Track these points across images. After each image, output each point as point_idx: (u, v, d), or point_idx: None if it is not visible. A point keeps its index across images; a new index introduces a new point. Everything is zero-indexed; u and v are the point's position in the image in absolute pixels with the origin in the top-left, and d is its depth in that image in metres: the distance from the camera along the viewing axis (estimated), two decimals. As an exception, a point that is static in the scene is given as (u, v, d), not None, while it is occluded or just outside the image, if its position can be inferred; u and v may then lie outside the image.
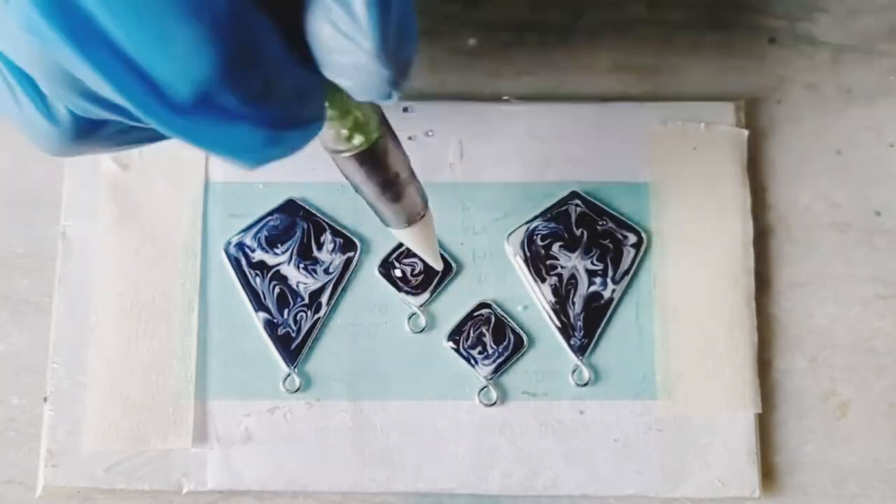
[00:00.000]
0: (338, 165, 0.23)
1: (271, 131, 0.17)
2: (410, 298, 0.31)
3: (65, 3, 0.14)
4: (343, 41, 0.17)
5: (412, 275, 0.32)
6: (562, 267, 0.32)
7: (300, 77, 0.18)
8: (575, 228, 0.32)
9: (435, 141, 0.33)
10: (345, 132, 0.22)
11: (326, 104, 0.20)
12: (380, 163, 0.23)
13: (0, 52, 0.17)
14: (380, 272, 0.32)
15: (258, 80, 0.16)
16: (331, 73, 0.18)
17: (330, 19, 0.17)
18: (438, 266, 0.29)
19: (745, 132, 0.33)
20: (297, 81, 0.18)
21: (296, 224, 0.32)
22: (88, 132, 0.19)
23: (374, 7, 0.16)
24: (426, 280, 0.32)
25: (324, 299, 0.31)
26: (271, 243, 0.32)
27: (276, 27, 0.17)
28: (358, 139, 0.22)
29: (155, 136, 0.20)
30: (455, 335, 0.31)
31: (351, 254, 0.32)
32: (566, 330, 0.31)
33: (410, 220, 0.26)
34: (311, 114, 0.19)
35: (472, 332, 0.31)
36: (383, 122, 0.23)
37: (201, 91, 0.15)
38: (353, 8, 0.16)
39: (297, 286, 0.31)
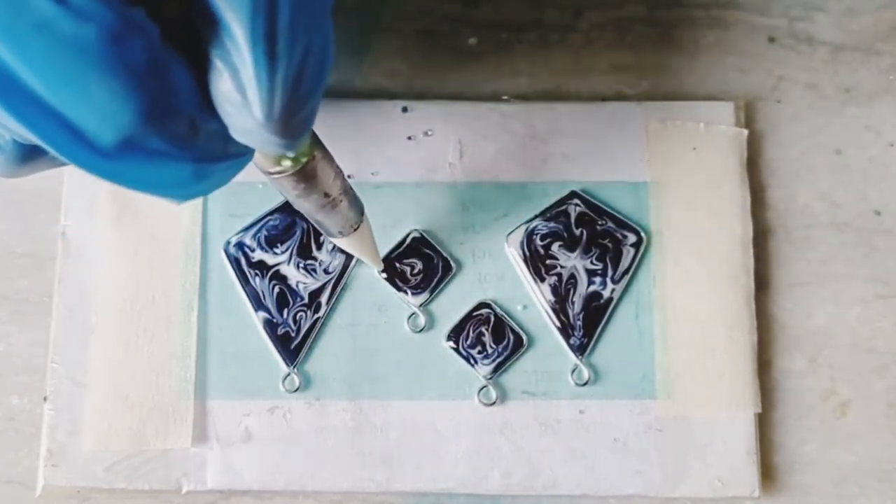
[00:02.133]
0: (271, 183, 0.24)
1: (198, 167, 0.18)
2: (410, 298, 0.31)
3: None
4: (234, 107, 0.17)
5: (412, 274, 0.32)
6: (561, 266, 0.32)
7: (220, 117, 0.18)
8: (574, 228, 0.32)
9: (434, 141, 0.33)
10: (274, 156, 0.22)
11: None
12: (311, 183, 0.24)
13: None
14: (379, 272, 0.32)
15: (182, 122, 0.17)
16: (231, 131, 0.18)
17: (222, 84, 0.17)
18: (379, 266, 0.31)
19: (745, 132, 0.33)
20: (218, 122, 0.18)
21: (295, 224, 0.32)
22: (33, 155, 0.19)
23: (262, 79, 0.16)
24: (426, 280, 0.32)
25: (323, 299, 0.31)
26: (271, 243, 0.32)
27: (194, 76, 0.17)
28: (286, 163, 0.23)
29: None
30: (455, 335, 0.31)
31: (350, 254, 0.32)
32: (566, 329, 0.31)
33: (345, 232, 0.27)
34: (238, 148, 0.19)
35: (471, 331, 0.31)
36: (315, 142, 0.24)
37: (125, 137, 0.16)
38: (241, 77, 0.17)
39: (297, 286, 0.31)
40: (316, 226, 0.27)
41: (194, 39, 0.17)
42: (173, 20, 0.16)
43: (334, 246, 0.32)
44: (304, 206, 0.25)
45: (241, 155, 0.19)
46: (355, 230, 0.27)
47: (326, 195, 0.25)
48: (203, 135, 0.17)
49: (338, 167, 0.25)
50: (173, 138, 0.17)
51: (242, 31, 0.16)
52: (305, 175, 0.23)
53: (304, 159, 0.23)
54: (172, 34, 0.16)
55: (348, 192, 0.26)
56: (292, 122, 0.18)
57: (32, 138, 0.16)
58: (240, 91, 0.17)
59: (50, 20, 0.14)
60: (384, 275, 0.32)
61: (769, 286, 0.33)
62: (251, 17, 0.16)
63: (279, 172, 0.23)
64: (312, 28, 0.17)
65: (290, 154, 0.19)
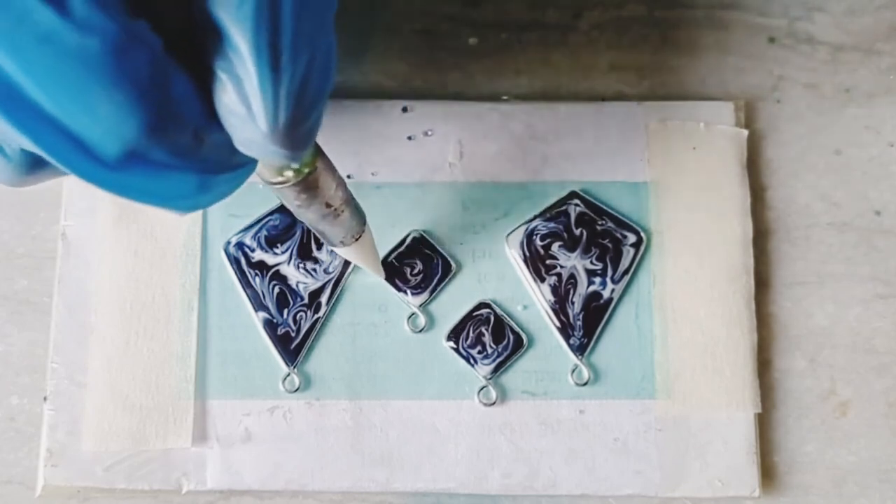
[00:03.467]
0: (273, 193, 0.24)
1: (203, 178, 0.18)
2: (410, 298, 0.31)
3: None
4: (238, 119, 0.17)
5: (412, 274, 0.32)
6: (561, 266, 0.32)
7: (223, 129, 0.18)
8: (574, 228, 0.32)
9: (434, 141, 0.33)
10: (277, 166, 0.22)
11: None
12: (312, 193, 0.24)
13: None
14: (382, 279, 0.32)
15: (186, 134, 0.17)
16: (235, 143, 0.18)
17: (225, 95, 0.17)
18: (381, 276, 0.31)
19: (745, 132, 0.33)
20: (221, 133, 0.18)
21: (295, 224, 0.32)
22: (40, 165, 0.19)
23: (266, 90, 0.17)
24: (426, 280, 0.32)
25: (323, 299, 0.31)
26: (271, 243, 0.32)
27: (198, 87, 0.17)
28: (289, 173, 0.23)
29: None
30: (455, 335, 0.31)
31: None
32: (565, 329, 0.31)
33: (346, 242, 0.27)
34: (241, 159, 0.19)
35: (471, 331, 0.31)
36: (317, 153, 0.24)
37: (129, 149, 0.16)
38: (245, 88, 0.17)
39: (297, 286, 0.31)
40: (318, 235, 0.27)
41: (197, 51, 0.17)
42: (176, 31, 0.16)
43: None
44: (307, 216, 0.25)
45: (245, 165, 0.19)
46: (357, 240, 0.27)
47: (328, 205, 0.25)
48: (207, 146, 0.17)
49: (340, 177, 0.25)
50: (177, 150, 0.17)
51: (246, 44, 0.16)
52: (307, 185, 0.23)
53: (306, 170, 0.23)
54: (175, 45, 0.16)
55: (350, 202, 0.26)
56: (297, 133, 0.18)
57: (36, 150, 0.16)
58: (244, 103, 0.17)
59: (53, 32, 0.14)
60: (385, 274, 0.32)
61: (769, 286, 0.33)
62: (255, 29, 0.16)
63: (281, 183, 0.23)
64: (315, 39, 0.17)
65: (295, 165, 0.19)
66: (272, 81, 0.17)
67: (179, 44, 0.16)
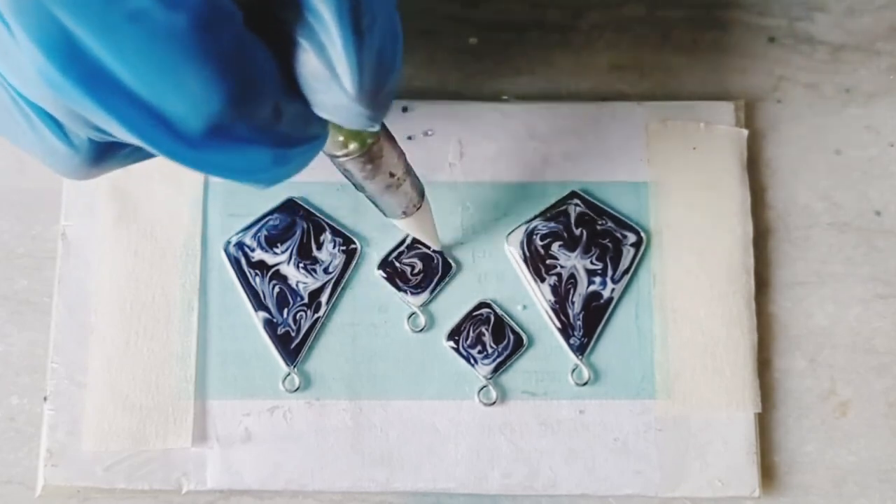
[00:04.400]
0: (337, 167, 0.24)
1: (279, 151, 0.18)
2: (410, 298, 0.31)
3: (78, 55, 0.15)
4: (323, 84, 0.17)
5: (412, 274, 0.32)
6: (561, 266, 0.32)
7: (300, 102, 0.18)
8: (574, 228, 0.32)
9: (435, 140, 0.33)
10: (341, 139, 0.23)
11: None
12: (376, 164, 0.24)
13: (15, 86, 0.17)
14: (379, 272, 0.32)
15: (267, 107, 0.17)
16: (316, 109, 0.18)
17: (309, 62, 0.17)
18: (438, 246, 0.31)
19: (745, 132, 0.33)
20: (297, 106, 0.18)
21: (295, 224, 0.32)
22: (107, 154, 0.19)
23: (351, 54, 0.17)
24: (426, 280, 0.32)
25: (323, 299, 0.31)
26: (271, 243, 0.32)
27: (276, 59, 0.17)
28: (353, 145, 0.23)
29: None
30: (455, 335, 0.31)
31: (351, 254, 0.32)
32: (566, 329, 0.31)
33: (409, 212, 0.28)
34: (315, 131, 0.19)
35: (471, 331, 0.31)
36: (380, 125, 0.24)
37: (213, 124, 0.16)
38: (330, 54, 0.17)
39: (297, 286, 0.31)
40: (379, 207, 0.27)
41: (274, 23, 0.17)
42: (252, 4, 0.17)
43: (335, 245, 0.32)
44: (370, 187, 0.25)
45: (317, 138, 0.19)
46: (418, 209, 0.28)
47: (392, 175, 0.25)
48: (285, 119, 0.18)
49: (400, 148, 0.25)
50: (258, 123, 0.17)
51: (328, 10, 0.16)
52: (371, 157, 0.24)
53: (370, 140, 0.23)
54: (253, 18, 0.16)
55: (411, 171, 0.26)
56: (380, 95, 0.18)
57: (118, 131, 0.16)
58: (329, 67, 0.17)
59: (143, 10, 0.14)
60: (385, 274, 0.32)
61: (769, 286, 0.33)
62: None
63: (346, 155, 0.23)
64: (387, 6, 0.18)
65: (375, 128, 0.19)
66: (355, 45, 0.17)
67: (257, 17, 0.17)
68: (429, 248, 0.32)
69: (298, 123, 0.18)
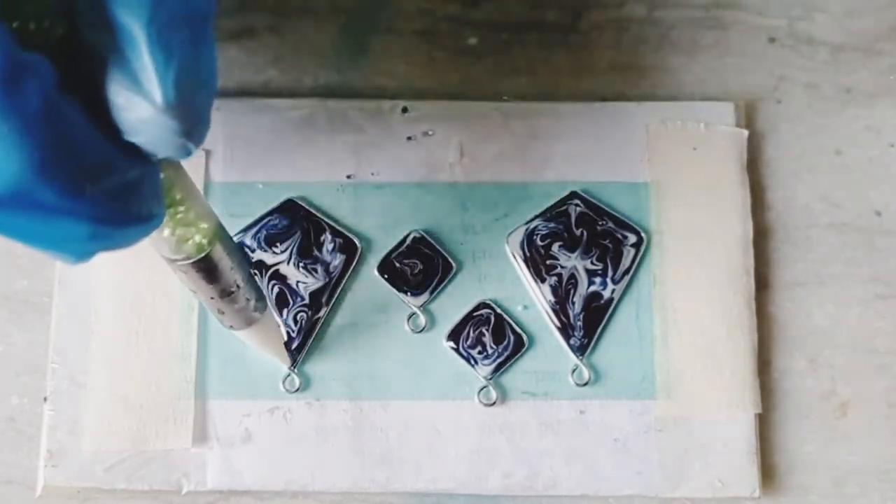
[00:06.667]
0: (174, 272, 0.24)
1: (95, 227, 0.17)
2: (410, 298, 0.31)
3: None
4: (130, 96, 0.17)
5: (412, 274, 0.32)
6: (561, 267, 0.32)
7: (124, 171, 0.18)
8: (574, 228, 0.32)
9: (435, 141, 0.33)
10: (179, 241, 0.22)
11: (163, 209, 0.21)
12: (215, 272, 0.24)
13: None
14: (380, 272, 0.32)
15: (77, 174, 0.16)
16: (127, 134, 0.18)
17: (117, 76, 0.17)
18: (286, 363, 0.30)
19: (745, 132, 0.33)
20: (121, 176, 0.17)
21: (295, 224, 0.32)
22: None
23: (157, 63, 0.17)
24: (426, 280, 0.32)
25: (324, 299, 0.31)
26: (271, 243, 0.32)
27: (91, 119, 0.17)
28: (190, 248, 0.23)
29: None
30: (455, 335, 0.31)
31: (351, 254, 0.32)
32: (566, 330, 0.31)
33: (250, 321, 0.27)
34: (141, 211, 0.18)
35: (471, 331, 0.31)
36: (220, 232, 0.24)
37: (14, 188, 0.15)
38: (135, 65, 0.17)
39: (297, 286, 0.31)
40: (217, 318, 0.27)
41: (84, 54, 0.17)
42: (66, 63, 0.16)
43: (334, 246, 0.32)
44: (208, 295, 0.25)
45: (145, 220, 0.19)
46: (259, 319, 0.27)
47: (234, 282, 0.25)
48: (99, 190, 0.17)
49: (242, 255, 0.25)
50: (67, 191, 0.16)
51: (133, 21, 0.16)
52: (212, 262, 0.23)
53: (208, 248, 0.23)
54: (70, 80, 0.16)
55: (253, 279, 0.26)
56: (190, 108, 0.18)
57: None
58: (134, 80, 0.17)
59: None
60: (385, 274, 0.32)
61: (769, 286, 0.33)
62: (149, 15, 0.16)
63: (184, 259, 0.23)
64: (197, 15, 0.17)
65: (193, 152, 0.19)
66: (161, 54, 0.17)
67: (73, 77, 0.16)
68: (429, 248, 0.32)
69: (117, 198, 0.18)
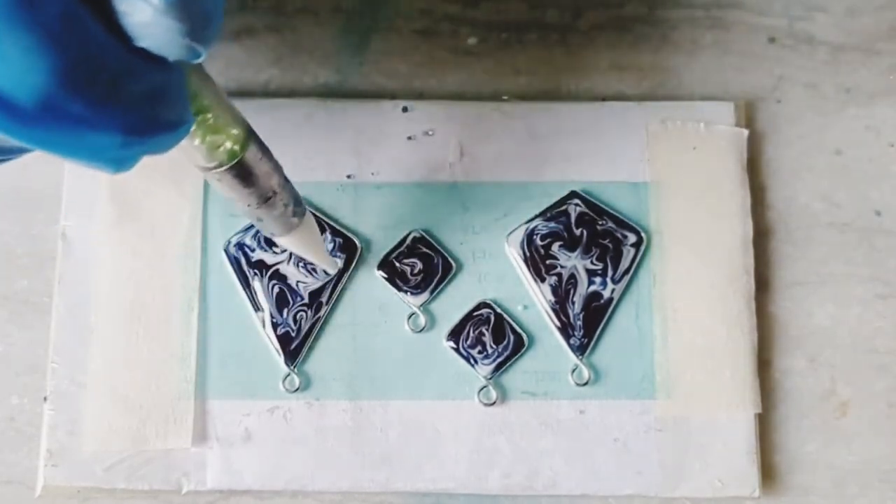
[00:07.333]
0: (210, 183, 0.24)
1: (126, 135, 0.17)
2: (410, 298, 0.31)
3: None
4: (132, 1, 0.17)
5: (412, 274, 0.32)
6: (561, 266, 0.32)
7: (147, 77, 0.18)
8: (574, 228, 0.32)
9: (435, 141, 0.33)
10: (210, 148, 0.22)
11: (192, 115, 0.21)
12: (251, 177, 0.24)
13: None
14: (380, 272, 0.32)
15: (101, 82, 0.16)
16: (134, 39, 0.17)
17: None
18: (332, 269, 0.30)
19: (745, 132, 0.33)
20: (145, 82, 0.17)
21: (295, 224, 0.32)
22: None
23: None
24: (426, 280, 0.32)
25: (324, 299, 0.31)
26: (271, 243, 0.32)
27: (107, 27, 0.17)
28: (223, 155, 0.23)
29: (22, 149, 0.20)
30: (455, 335, 0.31)
31: (351, 253, 0.32)
32: (566, 329, 0.31)
33: (290, 227, 0.27)
34: (169, 118, 0.19)
35: (471, 331, 0.31)
36: (251, 137, 0.23)
37: (44, 99, 0.15)
38: None
39: (297, 285, 0.31)
40: (258, 226, 0.27)
41: None
42: None
43: (335, 245, 0.32)
44: (246, 202, 0.25)
45: (173, 128, 0.19)
46: (300, 223, 0.27)
47: (270, 187, 0.25)
48: (126, 98, 0.17)
49: (276, 162, 0.25)
50: (95, 100, 0.16)
51: None
52: (245, 168, 0.23)
53: (237, 147, 0.23)
54: None
55: (288, 183, 0.26)
56: (193, 6, 0.17)
57: None
58: None
59: None
60: (385, 274, 0.32)
61: (769, 286, 0.33)
62: None
63: (218, 168, 0.23)
64: None
65: (201, 54, 0.18)
66: None
67: None
68: (429, 248, 0.32)
69: (144, 105, 0.18)
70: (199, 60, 0.19)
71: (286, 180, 0.26)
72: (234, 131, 0.23)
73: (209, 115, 0.22)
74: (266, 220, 0.26)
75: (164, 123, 0.18)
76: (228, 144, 0.23)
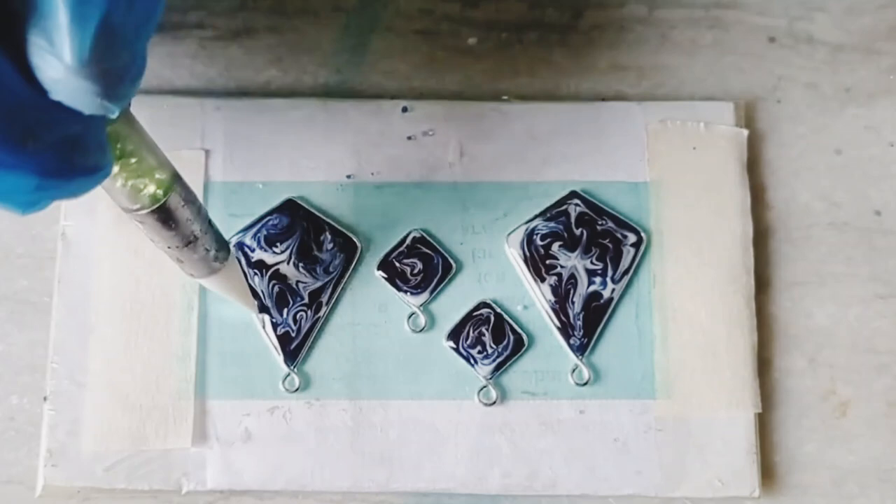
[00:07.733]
0: (134, 223, 0.24)
1: (41, 179, 0.17)
2: (410, 298, 0.31)
3: None
4: (43, 55, 0.17)
5: (412, 274, 0.32)
6: (561, 266, 0.32)
7: (63, 126, 0.17)
8: (574, 228, 0.32)
9: (435, 141, 0.33)
10: (133, 191, 0.23)
11: (113, 158, 0.21)
12: (173, 221, 0.24)
13: None
14: (380, 272, 0.32)
15: (17, 129, 0.16)
16: (49, 92, 0.17)
17: (33, 33, 0.16)
18: (253, 309, 0.30)
19: (745, 132, 0.33)
20: (61, 130, 0.17)
21: (295, 224, 0.32)
22: None
23: (71, 18, 0.16)
24: (426, 280, 0.32)
25: (324, 299, 0.31)
26: (271, 242, 0.32)
27: (24, 75, 0.17)
28: (146, 200, 0.23)
29: None
30: (455, 335, 0.31)
31: (351, 253, 0.32)
32: (566, 329, 0.31)
33: (211, 270, 0.27)
34: (86, 164, 0.18)
35: (471, 331, 0.31)
36: (177, 183, 0.24)
37: None
38: (49, 23, 0.16)
39: (297, 285, 0.31)
40: (181, 267, 0.27)
41: (15, 35, 0.17)
42: None
43: (334, 245, 0.32)
44: (168, 244, 0.25)
45: (94, 171, 0.19)
46: (223, 266, 0.27)
47: (192, 230, 0.25)
48: (43, 143, 0.17)
49: (201, 206, 0.25)
50: (9, 146, 0.16)
51: None
52: (169, 210, 0.24)
53: (160, 191, 0.23)
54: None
55: (212, 226, 0.26)
56: (107, 69, 0.17)
57: None
58: (47, 38, 0.16)
59: None
60: (385, 274, 0.32)
61: (769, 286, 0.33)
62: None
63: (139, 209, 0.23)
64: None
65: (114, 111, 0.18)
66: (79, 12, 0.16)
67: (2, 34, 0.16)
68: (429, 248, 0.32)
69: (65, 150, 0.18)
70: (113, 116, 0.19)
71: (210, 225, 0.26)
72: (159, 176, 0.23)
73: (132, 160, 0.22)
74: (186, 262, 0.26)
75: (82, 169, 0.18)
76: (151, 189, 0.23)
